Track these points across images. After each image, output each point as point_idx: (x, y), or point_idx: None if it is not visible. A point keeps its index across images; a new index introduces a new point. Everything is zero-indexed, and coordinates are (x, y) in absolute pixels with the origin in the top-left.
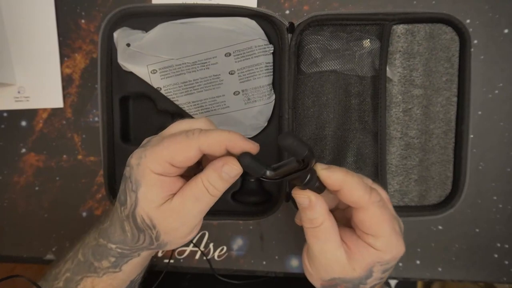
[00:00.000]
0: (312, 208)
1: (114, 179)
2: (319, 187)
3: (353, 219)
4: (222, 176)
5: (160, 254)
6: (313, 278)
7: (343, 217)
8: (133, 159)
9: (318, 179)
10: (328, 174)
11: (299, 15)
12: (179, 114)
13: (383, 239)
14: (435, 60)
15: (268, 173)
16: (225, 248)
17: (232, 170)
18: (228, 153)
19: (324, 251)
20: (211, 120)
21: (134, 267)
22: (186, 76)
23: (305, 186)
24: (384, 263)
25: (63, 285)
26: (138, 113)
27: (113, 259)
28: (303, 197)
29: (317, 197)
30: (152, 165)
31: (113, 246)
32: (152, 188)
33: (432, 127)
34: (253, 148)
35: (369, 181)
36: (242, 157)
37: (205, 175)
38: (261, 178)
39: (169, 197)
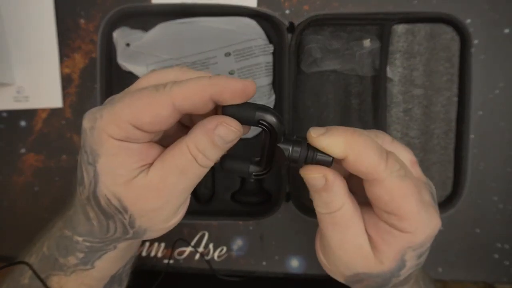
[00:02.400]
0: (329, 189)
1: None
2: (323, 160)
3: (368, 195)
4: (215, 141)
5: (160, 255)
6: (333, 273)
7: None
8: (85, 121)
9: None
10: (325, 140)
11: (299, 15)
12: None
13: (410, 217)
14: (435, 60)
15: (251, 168)
16: (225, 248)
17: (229, 133)
18: (216, 109)
19: (344, 241)
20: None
21: (111, 262)
22: None
23: (298, 163)
24: (417, 247)
25: (28, 282)
26: None
27: (81, 255)
28: (317, 176)
29: (335, 175)
30: (110, 129)
31: (79, 238)
32: (115, 158)
33: (433, 127)
34: (247, 86)
35: (386, 139)
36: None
37: (193, 139)
38: (253, 178)
39: (142, 168)
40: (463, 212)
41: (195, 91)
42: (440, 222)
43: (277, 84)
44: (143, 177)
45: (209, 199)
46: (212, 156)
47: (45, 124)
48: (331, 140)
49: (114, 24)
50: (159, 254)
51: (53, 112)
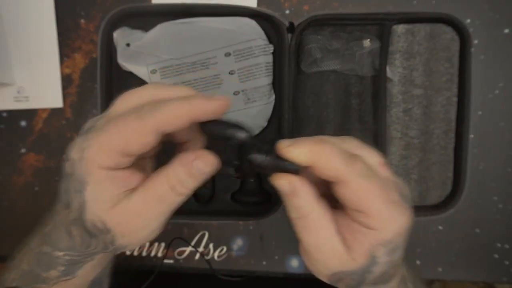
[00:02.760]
0: (296, 195)
1: None
2: (291, 169)
3: (338, 196)
4: (193, 172)
5: (160, 255)
6: (317, 274)
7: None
8: (73, 152)
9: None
10: (292, 152)
11: (299, 15)
12: None
13: (376, 215)
14: (435, 60)
15: (231, 170)
16: (225, 248)
17: (205, 166)
18: (196, 126)
19: (317, 244)
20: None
21: (90, 269)
22: (186, 76)
23: (269, 172)
24: (386, 244)
25: None
26: None
27: (62, 268)
28: (283, 182)
29: (302, 182)
30: (100, 159)
31: (60, 253)
32: (103, 186)
33: (432, 127)
34: (222, 105)
35: (354, 144)
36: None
37: (172, 171)
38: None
39: (125, 193)
40: (463, 212)
41: (177, 116)
42: (410, 220)
43: (277, 84)
44: (126, 202)
45: (209, 199)
46: (189, 185)
47: (45, 124)
48: (296, 151)
49: (115, 24)
50: (159, 254)
51: (54, 112)
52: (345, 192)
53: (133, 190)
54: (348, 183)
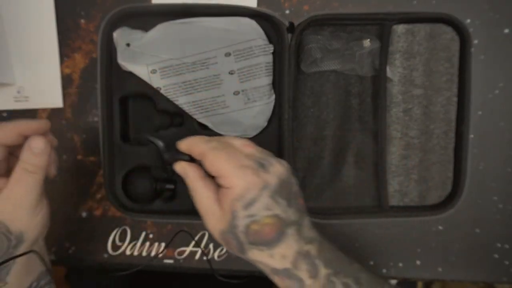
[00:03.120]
0: (187, 175)
1: (114, 179)
2: (183, 158)
3: (207, 170)
4: (33, 151)
5: (160, 255)
6: (213, 236)
7: None
8: None
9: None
10: (180, 145)
11: (299, 15)
12: (179, 114)
13: (227, 176)
14: (435, 60)
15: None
16: (225, 248)
17: (38, 143)
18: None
19: (205, 210)
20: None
21: (20, 276)
22: (186, 76)
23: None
24: (239, 198)
25: None
26: (137, 113)
27: None
28: (178, 167)
29: (189, 166)
30: None
31: None
32: None
33: (432, 127)
34: (40, 125)
35: (225, 139)
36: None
37: (22, 158)
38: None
39: None
40: (463, 212)
41: (7, 131)
42: (255, 179)
43: (277, 84)
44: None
45: None
46: (35, 162)
47: None
48: (182, 144)
49: (115, 24)
50: (160, 254)
51: (54, 112)
52: (207, 164)
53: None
54: (206, 156)
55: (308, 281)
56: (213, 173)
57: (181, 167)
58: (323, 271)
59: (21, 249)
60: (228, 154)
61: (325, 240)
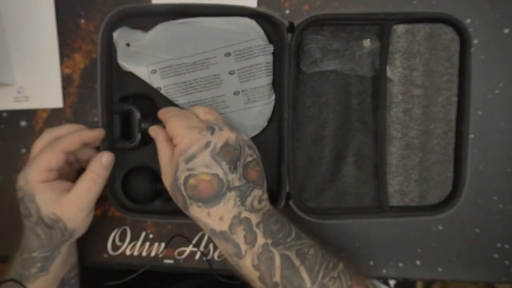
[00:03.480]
0: (156, 137)
1: (114, 179)
2: (159, 124)
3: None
4: (103, 164)
5: (160, 255)
6: (166, 186)
7: None
8: (20, 182)
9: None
10: (158, 113)
11: (299, 15)
12: None
13: (177, 135)
14: (435, 60)
15: (131, 144)
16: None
17: (109, 157)
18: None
19: (163, 162)
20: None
21: (59, 266)
22: (186, 76)
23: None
24: (182, 153)
25: None
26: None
27: (39, 264)
28: (150, 130)
29: (158, 128)
30: (36, 177)
31: (36, 253)
32: (46, 192)
33: (432, 127)
34: (99, 134)
35: (196, 110)
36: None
37: (91, 168)
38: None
39: (63, 192)
40: (463, 212)
41: (71, 141)
42: (198, 137)
43: (277, 84)
44: (65, 198)
45: None
46: (103, 174)
47: (46, 124)
48: (158, 113)
49: (115, 24)
50: (160, 254)
51: (54, 112)
52: (167, 128)
53: (68, 190)
54: (167, 121)
55: (243, 247)
56: (170, 135)
57: (152, 129)
58: (260, 240)
59: (69, 242)
60: (183, 118)
61: (280, 217)
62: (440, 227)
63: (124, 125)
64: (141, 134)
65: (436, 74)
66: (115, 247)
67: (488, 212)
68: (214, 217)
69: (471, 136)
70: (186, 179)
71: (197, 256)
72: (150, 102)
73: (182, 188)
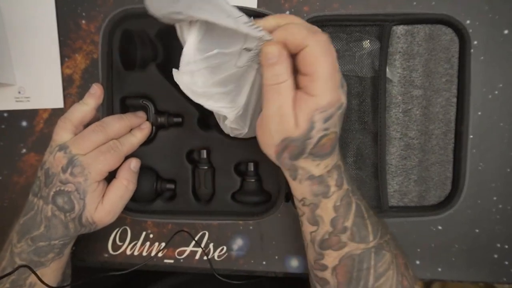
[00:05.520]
0: (280, 62)
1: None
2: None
3: (298, 64)
4: (133, 170)
5: (160, 254)
6: (267, 147)
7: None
8: (78, 178)
9: None
10: (267, 20)
11: (299, 16)
12: (179, 114)
13: (319, 81)
14: (435, 61)
15: None
16: (225, 248)
17: (137, 163)
18: None
19: (277, 111)
20: None
21: (70, 249)
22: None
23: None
24: (322, 110)
25: (10, 286)
26: None
27: (57, 250)
28: (273, 48)
29: (284, 52)
30: (97, 177)
31: (56, 242)
32: (95, 194)
33: (432, 127)
34: (143, 118)
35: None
36: None
37: (122, 175)
38: None
39: (101, 198)
40: (463, 212)
41: (135, 146)
42: (343, 100)
43: None
44: (101, 206)
45: (209, 199)
46: (134, 179)
47: (46, 124)
48: (269, 21)
49: (115, 25)
50: (160, 254)
51: (54, 112)
52: (303, 53)
53: (103, 193)
54: (308, 46)
55: (333, 188)
56: (307, 71)
57: (277, 49)
58: (345, 185)
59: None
60: (333, 57)
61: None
62: (440, 227)
63: None
64: (155, 128)
65: (435, 75)
66: (115, 247)
67: (488, 212)
68: (321, 166)
69: (471, 136)
70: (320, 139)
71: (197, 256)
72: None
73: (310, 146)
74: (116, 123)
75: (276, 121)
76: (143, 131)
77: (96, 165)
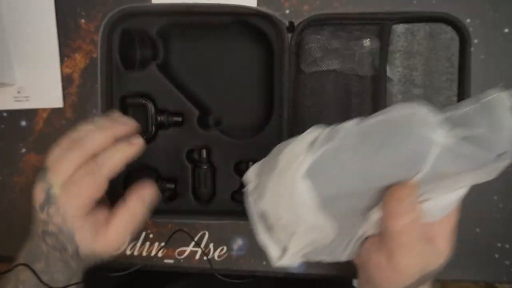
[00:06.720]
0: (410, 239)
1: (114, 179)
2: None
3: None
4: (144, 199)
5: (160, 254)
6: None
7: None
8: (54, 218)
9: None
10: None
11: (299, 15)
12: (179, 113)
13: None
14: (435, 59)
15: (145, 136)
16: (225, 248)
17: (150, 190)
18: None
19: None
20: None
21: (80, 276)
22: None
23: None
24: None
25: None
26: (138, 113)
27: (63, 282)
28: (398, 223)
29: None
30: (78, 213)
31: (60, 277)
32: (85, 229)
33: None
34: (132, 127)
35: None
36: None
37: (132, 205)
38: None
39: (100, 226)
40: (463, 212)
41: (118, 166)
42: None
43: (277, 84)
44: (104, 236)
45: (209, 199)
46: (145, 212)
47: (46, 124)
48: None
49: (115, 24)
50: (159, 254)
51: (54, 112)
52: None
53: (106, 221)
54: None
55: None
56: (439, 242)
57: (405, 226)
58: None
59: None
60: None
61: None
62: None
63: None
64: (155, 127)
65: (436, 73)
66: None
67: (488, 212)
68: None
69: None
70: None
71: (197, 256)
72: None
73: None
74: (96, 135)
75: (423, 259)
76: (132, 147)
77: (71, 201)
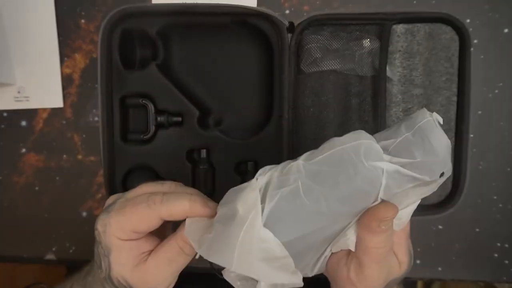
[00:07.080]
0: (385, 249)
1: (114, 179)
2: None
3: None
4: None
5: None
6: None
7: None
8: (99, 225)
9: None
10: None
11: (299, 15)
12: (179, 113)
13: (407, 260)
14: (435, 59)
15: (145, 136)
16: None
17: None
18: None
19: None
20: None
21: None
22: None
23: None
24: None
25: None
26: (138, 113)
27: None
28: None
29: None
30: (117, 233)
31: None
32: (122, 253)
33: None
34: (210, 214)
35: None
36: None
37: (180, 236)
38: None
39: (142, 256)
40: (463, 211)
41: (178, 211)
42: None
43: (277, 84)
44: (143, 264)
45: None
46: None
47: (46, 124)
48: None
49: (115, 24)
50: None
51: (54, 112)
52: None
53: (149, 253)
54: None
55: None
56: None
57: (387, 240)
58: None
59: None
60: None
61: None
62: (440, 227)
63: (124, 125)
64: (155, 127)
65: (435, 73)
66: None
67: (488, 211)
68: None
69: (471, 135)
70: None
71: (197, 256)
72: (150, 102)
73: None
74: (178, 186)
75: (387, 271)
76: (204, 209)
77: (118, 217)
